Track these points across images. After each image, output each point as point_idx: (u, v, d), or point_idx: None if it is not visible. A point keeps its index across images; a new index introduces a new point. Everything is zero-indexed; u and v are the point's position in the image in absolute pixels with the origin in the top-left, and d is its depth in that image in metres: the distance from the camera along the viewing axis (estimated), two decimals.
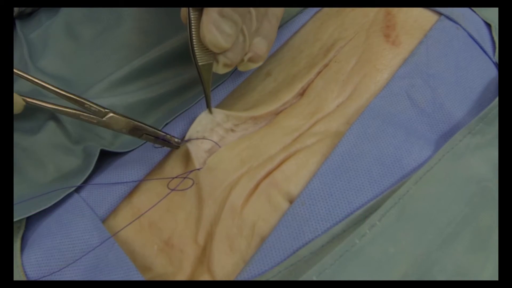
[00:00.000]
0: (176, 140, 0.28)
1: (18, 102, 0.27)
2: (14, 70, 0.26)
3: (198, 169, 0.27)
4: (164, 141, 0.28)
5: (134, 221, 0.26)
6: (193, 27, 0.25)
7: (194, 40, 0.26)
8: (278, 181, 0.25)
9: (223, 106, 0.30)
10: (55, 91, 0.26)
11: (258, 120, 0.29)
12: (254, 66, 0.28)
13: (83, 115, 0.27)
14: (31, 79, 0.26)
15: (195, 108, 0.30)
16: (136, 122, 0.27)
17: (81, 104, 0.27)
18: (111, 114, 0.27)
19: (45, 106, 0.27)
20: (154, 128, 0.27)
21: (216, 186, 0.26)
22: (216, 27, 0.24)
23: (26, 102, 0.27)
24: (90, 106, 0.27)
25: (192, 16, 0.25)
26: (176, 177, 0.27)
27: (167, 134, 0.28)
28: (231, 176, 0.26)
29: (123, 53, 0.35)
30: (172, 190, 0.27)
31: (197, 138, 0.28)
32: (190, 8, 0.25)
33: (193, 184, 0.27)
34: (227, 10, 0.24)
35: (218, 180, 0.26)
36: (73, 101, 0.26)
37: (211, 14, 0.24)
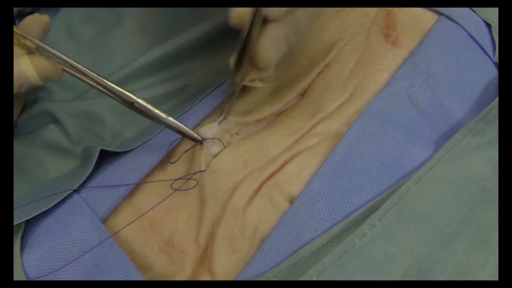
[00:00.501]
0: (196, 135, 0.28)
1: (58, 69, 0.28)
2: (50, 49, 0.28)
3: (203, 171, 0.27)
4: (184, 135, 0.28)
5: (135, 220, 0.26)
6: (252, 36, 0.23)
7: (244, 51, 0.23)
8: (281, 183, 0.25)
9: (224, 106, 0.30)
10: (90, 75, 0.27)
11: (261, 122, 0.29)
12: (260, 85, 0.27)
13: (117, 98, 0.28)
14: (61, 56, 0.27)
15: (196, 108, 0.30)
16: (157, 112, 0.28)
17: (109, 89, 0.28)
18: (139, 100, 0.28)
19: (83, 80, 0.28)
20: (174, 119, 0.28)
21: (219, 188, 0.26)
22: (276, 45, 0.23)
23: (65, 70, 0.28)
24: (119, 92, 0.27)
25: (254, 25, 0.22)
26: (179, 179, 0.27)
27: (187, 128, 0.28)
28: (234, 177, 0.26)
29: (123, 53, 0.35)
30: (176, 190, 0.27)
31: (212, 139, 0.28)
32: (259, 11, 0.22)
33: (197, 184, 0.27)
34: (290, 31, 0.23)
35: (221, 181, 0.26)
36: (101, 86, 0.28)
37: (279, 30, 0.23)
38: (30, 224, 0.27)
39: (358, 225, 0.23)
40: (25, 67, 0.27)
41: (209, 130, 0.28)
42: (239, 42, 0.23)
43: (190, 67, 0.35)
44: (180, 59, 0.35)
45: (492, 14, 0.32)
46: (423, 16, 0.31)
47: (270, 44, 0.23)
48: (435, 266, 0.22)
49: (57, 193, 0.27)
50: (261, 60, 0.23)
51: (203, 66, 0.35)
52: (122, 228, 0.26)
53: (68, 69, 0.28)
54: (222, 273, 0.24)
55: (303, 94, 0.30)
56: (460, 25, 0.30)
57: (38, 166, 0.32)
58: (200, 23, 0.35)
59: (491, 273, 0.22)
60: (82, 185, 0.27)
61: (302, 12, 0.23)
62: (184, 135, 0.28)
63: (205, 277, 0.24)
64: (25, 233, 0.26)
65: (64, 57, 0.28)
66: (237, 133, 0.29)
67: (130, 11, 0.37)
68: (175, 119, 0.28)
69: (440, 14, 0.31)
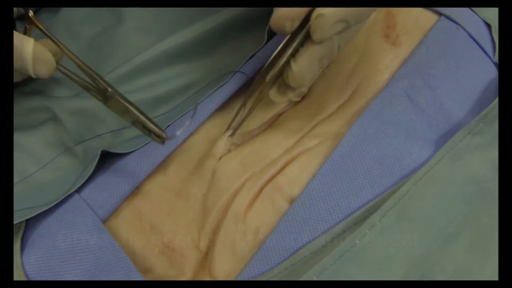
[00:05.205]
0: (164, 135, 0.27)
1: (51, 63, 0.28)
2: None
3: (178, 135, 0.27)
4: (150, 132, 0.27)
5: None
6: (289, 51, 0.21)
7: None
8: (282, 185, 0.25)
9: (226, 108, 0.30)
10: (75, 59, 0.28)
11: (263, 124, 0.29)
12: (296, 99, 0.28)
13: (93, 90, 0.28)
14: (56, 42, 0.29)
15: (198, 108, 0.30)
16: (129, 107, 0.27)
17: (93, 79, 0.28)
18: (115, 95, 0.27)
19: (70, 77, 0.28)
20: (146, 118, 0.27)
21: (220, 196, 0.26)
22: (312, 68, 0.22)
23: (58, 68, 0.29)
24: (99, 82, 0.28)
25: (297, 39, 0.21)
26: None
27: (157, 127, 0.27)
28: (235, 184, 0.26)
29: (124, 52, 0.35)
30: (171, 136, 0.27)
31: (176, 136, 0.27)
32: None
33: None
34: (326, 54, 0.22)
35: (223, 190, 0.26)
36: (88, 74, 0.28)
37: (317, 52, 0.21)
38: (30, 224, 0.27)
39: (358, 225, 0.23)
40: (26, 47, 0.26)
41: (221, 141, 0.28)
42: (276, 54, 0.22)
43: (191, 66, 0.35)
44: (181, 57, 0.34)
45: (492, 14, 0.32)
46: (423, 16, 0.31)
47: (307, 65, 0.22)
48: (435, 266, 0.22)
49: (63, 197, 0.27)
50: (295, 81, 0.23)
51: (205, 65, 0.35)
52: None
53: (60, 66, 0.29)
54: (222, 277, 0.24)
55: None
56: (460, 25, 0.30)
57: (36, 165, 0.32)
58: (201, 21, 0.35)
59: (491, 273, 0.22)
60: (83, 186, 0.27)
61: (338, 37, 0.22)
62: (149, 130, 0.27)
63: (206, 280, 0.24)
64: (25, 233, 0.26)
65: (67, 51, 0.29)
66: (242, 143, 0.29)
67: (131, 10, 0.37)
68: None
69: (440, 14, 0.31)
